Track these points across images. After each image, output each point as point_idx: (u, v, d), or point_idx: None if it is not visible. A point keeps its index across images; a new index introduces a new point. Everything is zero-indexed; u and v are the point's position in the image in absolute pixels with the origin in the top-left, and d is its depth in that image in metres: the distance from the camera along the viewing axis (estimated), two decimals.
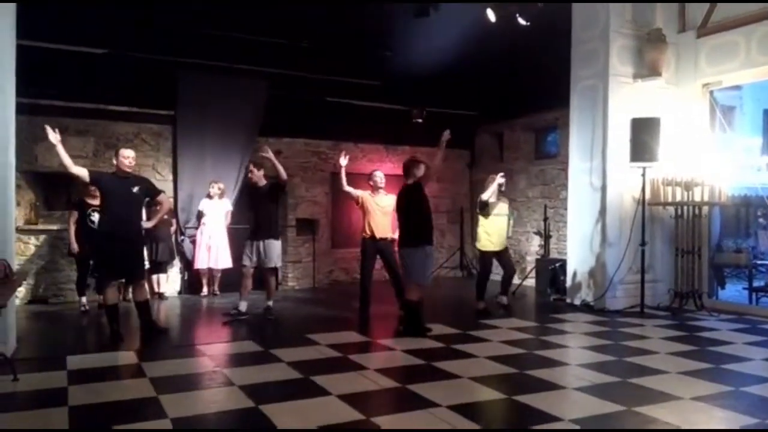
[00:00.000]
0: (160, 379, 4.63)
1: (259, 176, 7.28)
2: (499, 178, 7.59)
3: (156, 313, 7.77)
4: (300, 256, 10.47)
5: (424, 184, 6.39)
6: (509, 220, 7.90)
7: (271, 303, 7.37)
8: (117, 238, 5.95)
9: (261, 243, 7.14)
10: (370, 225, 7.46)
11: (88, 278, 7.76)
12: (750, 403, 4.16)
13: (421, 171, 6.39)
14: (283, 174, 7.05)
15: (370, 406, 4.04)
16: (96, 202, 7.67)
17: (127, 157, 6.07)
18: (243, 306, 7.28)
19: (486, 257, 7.76)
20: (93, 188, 7.67)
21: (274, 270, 7.42)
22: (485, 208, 7.57)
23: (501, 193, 7.77)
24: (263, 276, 7.37)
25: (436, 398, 4.14)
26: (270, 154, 7.07)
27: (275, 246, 7.22)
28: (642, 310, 7.62)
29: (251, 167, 7.40)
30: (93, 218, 7.58)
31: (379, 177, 7.62)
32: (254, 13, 8.33)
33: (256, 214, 7.30)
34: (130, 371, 4.94)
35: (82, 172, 5.95)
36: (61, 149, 5.77)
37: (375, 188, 7.59)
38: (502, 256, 7.82)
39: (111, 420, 3.72)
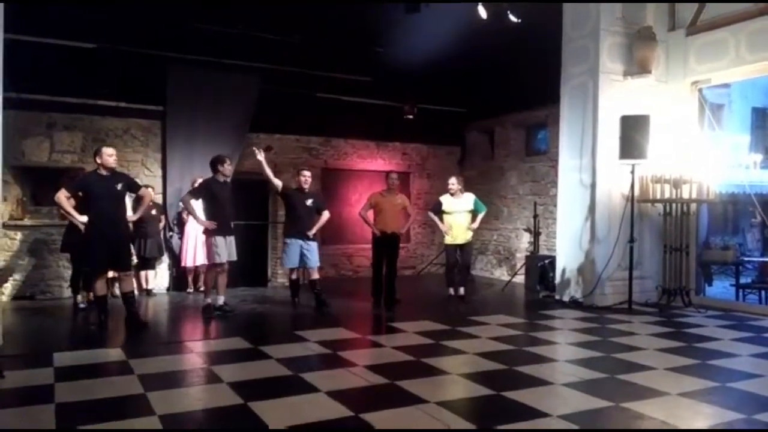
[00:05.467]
0: (148, 376, 4.60)
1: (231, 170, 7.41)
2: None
3: (144, 310, 7.77)
4: None
5: None
6: (475, 212, 8.28)
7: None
8: (105, 233, 6.25)
9: (232, 238, 7.31)
10: (383, 221, 7.94)
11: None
12: (736, 398, 4.19)
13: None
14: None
15: (359, 402, 4.03)
16: None
17: (111, 154, 6.36)
18: (222, 300, 7.36)
19: (448, 250, 8.39)
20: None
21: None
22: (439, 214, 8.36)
23: (459, 191, 8.26)
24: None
25: (425, 394, 4.14)
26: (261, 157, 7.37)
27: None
28: (630, 306, 7.66)
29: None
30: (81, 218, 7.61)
31: (395, 179, 8.21)
32: (245, 9, 8.29)
33: (226, 208, 7.27)
34: (117, 368, 4.90)
35: (63, 194, 6.25)
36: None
37: (390, 188, 8.10)
38: (462, 248, 8.29)
39: (98, 417, 3.70)
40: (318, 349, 5.53)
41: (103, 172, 6.33)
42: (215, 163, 7.22)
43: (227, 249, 7.17)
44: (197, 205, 7.49)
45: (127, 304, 6.50)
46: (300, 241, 7.54)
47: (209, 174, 7.37)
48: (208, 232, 7.13)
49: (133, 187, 6.66)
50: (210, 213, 7.20)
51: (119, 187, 6.40)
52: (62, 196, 6.28)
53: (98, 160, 6.33)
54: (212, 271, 7.29)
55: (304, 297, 7.89)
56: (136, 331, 6.34)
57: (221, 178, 7.23)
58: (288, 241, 7.60)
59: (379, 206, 8.00)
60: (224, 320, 7.03)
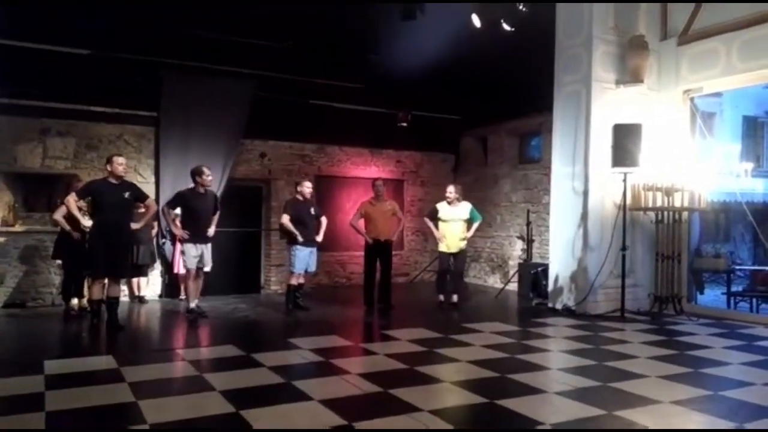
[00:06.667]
0: (139, 383, 4.57)
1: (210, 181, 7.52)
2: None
3: (136, 317, 7.75)
4: (283, 260, 10.39)
5: None
6: (472, 221, 8.35)
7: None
8: (108, 240, 6.43)
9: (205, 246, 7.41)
10: (375, 229, 8.15)
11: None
12: (728, 407, 4.21)
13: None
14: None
15: (352, 410, 4.01)
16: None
17: (122, 163, 6.62)
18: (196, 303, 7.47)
19: (441, 257, 8.43)
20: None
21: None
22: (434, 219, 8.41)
23: (456, 200, 8.29)
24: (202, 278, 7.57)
25: (418, 403, 4.13)
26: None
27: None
28: (622, 314, 7.68)
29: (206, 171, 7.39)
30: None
31: (381, 186, 8.41)
32: (239, 14, 8.30)
33: (200, 217, 7.32)
34: (108, 376, 4.86)
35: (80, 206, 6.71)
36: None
37: (377, 196, 8.28)
38: (455, 257, 8.32)
39: (89, 426, 3.67)
40: (311, 357, 5.51)
41: (113, 181, 6.54)
42: (193, 175, 7.37)
43: (197, 256, 7.28)
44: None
45: (109, 308, 6.66)
46: (310, 248, 7.95)
47: None
48: (181, 240, 7.35)
49: (140, 197, 6.83)
50: (184, 222, 7.46)
51: (127, 195, 6.60)
52: (72, 200, 6.50)
53: (109, 168, 6.55)
54: (187, 276, 7.50)
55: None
56: (113, 333, 6.49)
57: (200, 189, 7.34)
58: (300, 247, 7.86)
59: (370, 215, 8.16)
60: (194, 323, 7.11)
